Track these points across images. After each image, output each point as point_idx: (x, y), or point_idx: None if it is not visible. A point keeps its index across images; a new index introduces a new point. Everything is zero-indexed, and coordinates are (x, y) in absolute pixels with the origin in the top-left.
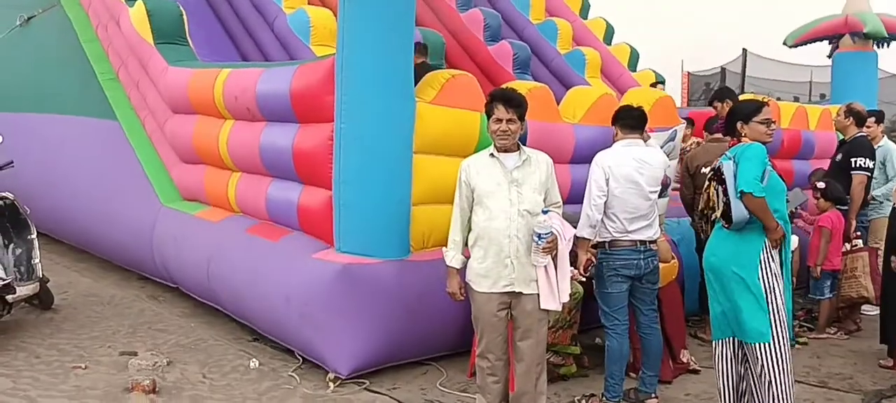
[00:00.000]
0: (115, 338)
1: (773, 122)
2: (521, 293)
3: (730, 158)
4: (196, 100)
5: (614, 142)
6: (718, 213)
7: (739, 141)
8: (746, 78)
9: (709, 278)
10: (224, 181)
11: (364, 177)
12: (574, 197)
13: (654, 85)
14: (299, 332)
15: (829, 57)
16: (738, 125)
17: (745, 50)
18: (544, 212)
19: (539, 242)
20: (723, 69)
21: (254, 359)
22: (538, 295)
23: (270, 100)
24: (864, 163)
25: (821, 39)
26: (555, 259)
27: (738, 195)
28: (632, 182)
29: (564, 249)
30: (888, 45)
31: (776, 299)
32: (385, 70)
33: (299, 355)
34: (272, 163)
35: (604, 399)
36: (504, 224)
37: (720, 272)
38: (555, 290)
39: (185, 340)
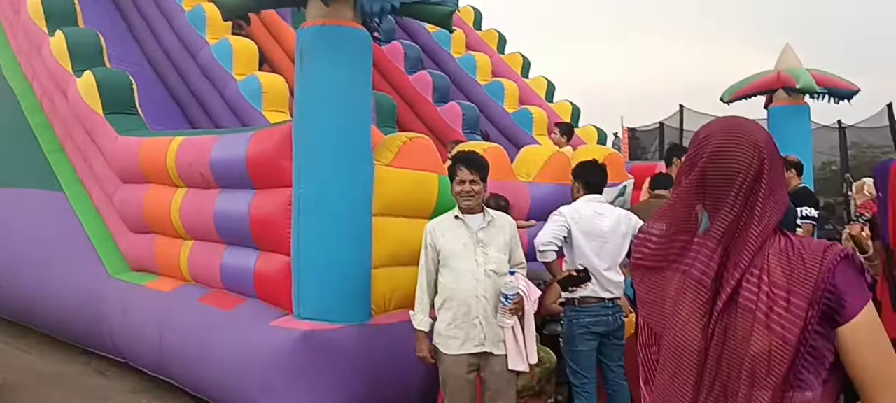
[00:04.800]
0: None
1: None
2: (490, 353)
3: None
4: (148, 169)
5: (575, 198)
6: None
7: None
8: (684, 132)
9: None
10: (176, 250)
11: (323, 241)
12: (530, 255)
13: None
14: (257, 402)
15: (766, 108)
16: None
17: (681, 105)
18: (511, 273)
19: (506, 303)
20: (661, 124)
21: None
22: (507, 356)
23: (226, 166)
24: (810, 213)
25: (756, 94)
26: (521, 319)
27: None
28: (599, 237)
29: (531, 310)
30: (820, 98)
31: None
32: (343, 133)
33: None
34: (227, 229)
35: None
36: (471, 284)
37: None
38: (522, 351)
39: None
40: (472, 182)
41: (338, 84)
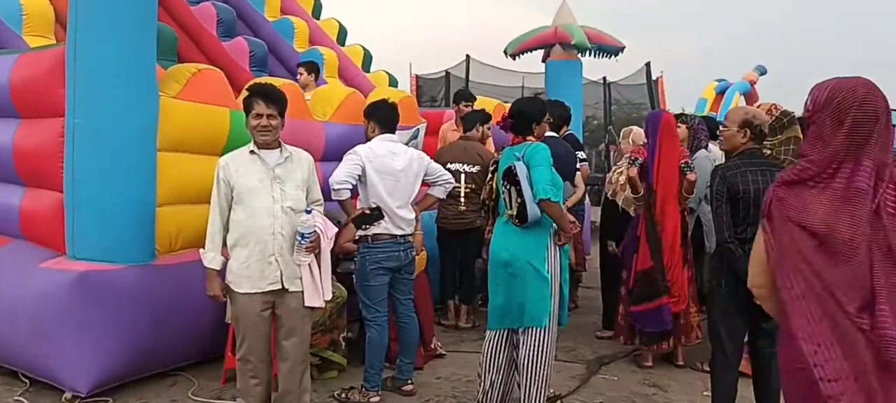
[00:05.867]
0: None
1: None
2: (285, 291)
3: (518, 158)
4: None
5: (369, 138)
6: (513, 213)
7: (524, 140)
8: (470, 82)
9: (496, 271)
10: None
11: (102, 176)
12: (326, 195)
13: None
14: (27, 351)
15: (543, 61)
16: (534, 126)
17: (468, 56)
18: (307, 211)
19: (302, 241)
20: (447, 73)
21: None
22: (303, 292)
23: None
24: (582, 157)
25: (536, 49)
26: (318, 256)
27: (537, 201)
28: (392, 176)
29: (327, 247)
30: (591, 54)
31: (557, 287)
32: (125, 61)
33: (26, 377)
34: None
35: (364, 389)
36: (267, 221)
37: (513, 265)
38: (319, 288)
39: None
40: (269, 116)
41: (120, 6)
